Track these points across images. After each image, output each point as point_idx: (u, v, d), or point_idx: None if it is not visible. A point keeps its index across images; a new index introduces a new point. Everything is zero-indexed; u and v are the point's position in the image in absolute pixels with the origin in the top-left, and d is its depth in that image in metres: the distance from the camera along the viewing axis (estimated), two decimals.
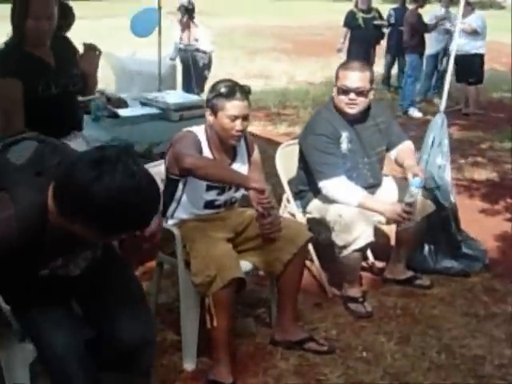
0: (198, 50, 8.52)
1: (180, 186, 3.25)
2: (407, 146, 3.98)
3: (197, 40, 8.52)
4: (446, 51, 9.88)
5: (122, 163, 1.91)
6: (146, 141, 4.90)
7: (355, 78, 3.72)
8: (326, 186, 3.69)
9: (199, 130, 3.26)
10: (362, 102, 3.75)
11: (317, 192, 3.83)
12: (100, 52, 3.57)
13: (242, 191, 3.31)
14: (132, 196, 1.90)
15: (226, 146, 3.26)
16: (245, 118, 3.17)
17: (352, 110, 3.76)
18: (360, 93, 3.72)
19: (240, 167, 3.33)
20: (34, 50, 3.29)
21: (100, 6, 27.72)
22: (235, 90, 3.15)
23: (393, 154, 3.97)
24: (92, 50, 3.54)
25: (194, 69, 8.40)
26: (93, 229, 1.97)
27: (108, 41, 14.20)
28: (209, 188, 3.23)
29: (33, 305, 2.43)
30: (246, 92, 3.17)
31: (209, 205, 3.29)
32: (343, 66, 3.85)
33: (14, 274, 2.22)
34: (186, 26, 8.49)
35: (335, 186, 3.67)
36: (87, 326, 2.52)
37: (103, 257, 2.51)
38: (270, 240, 3.18)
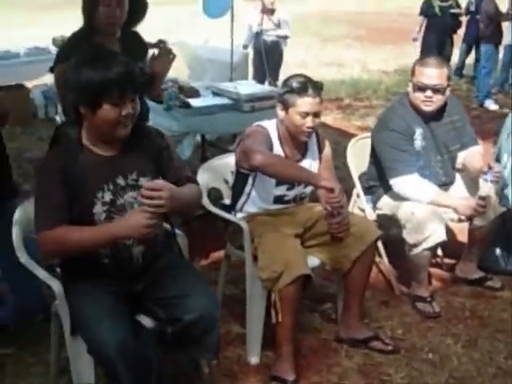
0: (278, 35, 8.43)
1: (250, 180, 3.26)
2: (478, 150, 3.91)
3: (278, 25, 8.41)
4: None
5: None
6: (217, 131, 4.95)
7: (432, 74, 3.64)
8: (398, 183, 3.65)
9: (270, 125, 3.26)
10: (438, 100, 3.68)
11: (388, 188, 3.78)
12: (174, 56, 3.60)
13: (312, 187, 3.30)
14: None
15: (297, 141, 3.25)
16: (316, 114, 3.15)
17: (428, 108, 3.69)
18: (437, 90, 3.65)
19: (311, 163, 3.32)
20: (103, 39, 3.34)
21: None
22: (307, 86, 3.13)
23: (462, 155, 3.90)
24: (167, 53, 3.57)
25: (271, 56, 8.30)
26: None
27: (179, 28, 14.37)
28: (278, 183, 3.23)
29: (85, 293, 2.54)
30: (318, 88, 3.15)
31: (278, 200, 3.30)
32: (420, 61, 3.77)
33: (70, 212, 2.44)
34: (266, 10, 8.33)
35: (407, 183, 3.62)
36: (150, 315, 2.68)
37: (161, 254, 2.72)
38: (338, 239, 3.17)
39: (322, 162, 3.39)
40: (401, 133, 3.68)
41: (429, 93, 3.66)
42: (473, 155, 3.86)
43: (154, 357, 2.54)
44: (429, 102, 3.68)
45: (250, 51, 8.52)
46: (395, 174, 3.65)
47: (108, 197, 2.52)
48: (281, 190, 3.27)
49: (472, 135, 3.97)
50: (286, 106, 3.16)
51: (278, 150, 3.22)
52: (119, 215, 2.53)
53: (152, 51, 3.62)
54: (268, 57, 8.11)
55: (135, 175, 2.57)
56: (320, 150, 3.39)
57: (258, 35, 8.33)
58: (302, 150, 3.32)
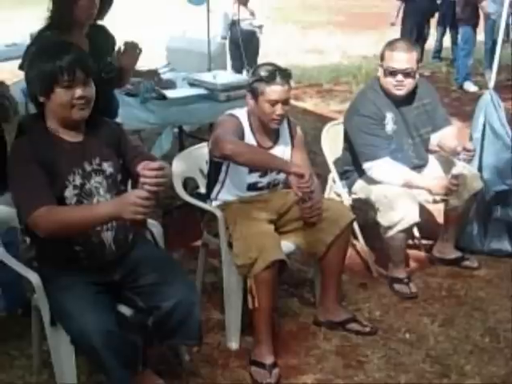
0: (252, 24, 8.39)
1: (223, 168, 3.29)
2: (451, 130, 3.96)
3: (253, 14, 8.40)
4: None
5: None
6: (193, 122, 4.96)
7: (402, 59, 3.68)
8: (371, 167, 3.70)
9: (241, 114, 3.30)
10: (409, 84, 3.72)
11: (362, 173, 3.83)
12: (140, 50, 3.61)
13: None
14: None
15: (268, 129, 3.29)
16: (285, 102, 3.18)
17: (400, 92, 3.73)
18: (407, 74, 3.69)
19: (283, 150, 3.36)
20: (70, 36, 3.33)
21: None
22: (275, 74, 3.16)
23: (435, 137, 3.95)
24: (133, 48, 3.57)
25: (247, 45, 8.30)
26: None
27: (159, 18, 14.32)
28: (251, 171, 3.27)
29: (65, 285, 2.57)
30: (286, 76, 3.19)
31: (252, 187, 3.33)
32: (389, 46, 3.79)
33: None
34: (243, 1, 8.28)
35: (379, 167, 3.67)
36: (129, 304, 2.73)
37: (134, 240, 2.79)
38: (310, 224, 3.22)
39: (295, 147, 3.42)
40: (371, 117, 3.72)
41: (400, 77, 3.69)
42: (447, 136, 3.91)
43: (137, 341, 2.61)
44: (400, 87, 3.72)
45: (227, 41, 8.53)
46: (368, 158, 3.70)
47: (78, 181, 2.59)
48: (254, 177, 3.30)
49: (444, 116, 4.01)
50: (256, 95, 3.19)
51: (249, 137, 3.26)
52: (87, 200, 2.60)
53: (118, 46, 3.63)
54: (245, 46, 8.10)
55: (98, 160, 2.66)
56: (292, 136, 3.42)
57: (233, 25, 8.31)
58: (274, 137, 3.35)
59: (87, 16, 3.41)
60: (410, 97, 3.83)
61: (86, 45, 3.42)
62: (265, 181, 3.34)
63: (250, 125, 3.29)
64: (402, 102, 3.80)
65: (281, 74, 3.17)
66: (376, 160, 3.67)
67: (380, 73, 3.79)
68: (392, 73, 3.70)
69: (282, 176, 3.37)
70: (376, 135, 3.70)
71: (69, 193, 2.57)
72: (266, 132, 3.31)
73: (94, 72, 3.32)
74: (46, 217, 2.42)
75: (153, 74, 4.98)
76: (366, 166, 3.72)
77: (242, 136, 3.22)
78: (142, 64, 4.81)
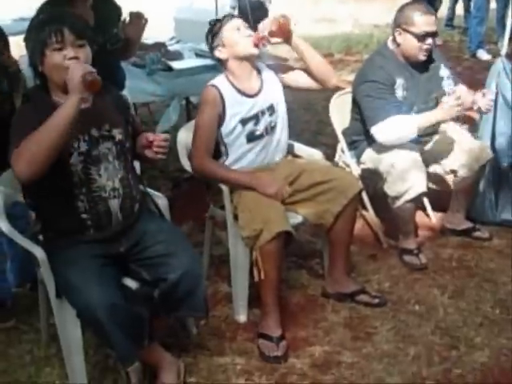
0: None
1: (223, 141, 3.29)
2: (463, 88, 3.86)
3: None
4: None
5: None
6: (200, 92, 4.89)
7: (432, 21, 3.67)
8: (378, 130, 3.59)
9: (219, 80, 3.31)
10: (431, 46, 3.68)
11: (371, 142, 3.77)
12: (146, 20, 3.57)
13: (278, 113, 3.36)
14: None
15: (250, 76, 3.32)
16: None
17: (425, 57, 3.67)
18: (435, 36, 3.67)
19: (272, 89, 3.37)
20: (74, 8, 3.28)
21: None
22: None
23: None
24: (138, 18, 3.53)
25: (256, 15, 8.22)
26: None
27: None
28: (244, 123, 3.26)
29: (71, 258, 2.58)
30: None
31: (251, 137, 3.30)
32: (414, 10, 3.67)
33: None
34: None
35: (387, 126, 3.56)
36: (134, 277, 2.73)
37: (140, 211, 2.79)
38: (318, 194, 3.22)
39: (285, 75, 3.44)
40: (380, 82, 3.64)
41: (430, 40, 3.63)
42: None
43: (144, 314, 2.61)
44: (427, 52, 3.66)
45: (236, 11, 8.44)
46: (375, 121, 3.60)
47: (84, 147, 2.59)
48: (249, 128, 3.28)
49: (453, 78, 3.91)
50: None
51: (232, 97, 3.25)
52: (95, 166, 2.61)
53: (124, 17, 3.58)
54: (253, 16, 8.02)
55: (108, 126, 2.67)
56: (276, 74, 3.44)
57: None
58: (258, 82, 3.35)
59: None
60: (423, 61, 3.73)
61: (91, 17, 3.38)
62: (261, 127, 3.31)
63: (231, 83, 3.28)
64: (412, 67, 3.72)
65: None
66: (383, 121, 3.56)
67: (398, 38, 3.69)
68: (424, 37, 3.61)
69: (274, 117, 3.36)
70: (385, 99, 3.61)
71: (74, 159, 2.57)
72: (248, 80, 3.31)
73: (99, 43, 3.32)
74: (20, 149, 2.39)
75: (160, 46, 4.94)
76: (373, 129, 3.62)
77: (221, 105, 3.22)
78: (150, 35, 4.78)
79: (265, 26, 3.23)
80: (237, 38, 3.25)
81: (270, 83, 3.38)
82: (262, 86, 3.36)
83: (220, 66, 3.40)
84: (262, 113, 3.31)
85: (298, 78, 3.43)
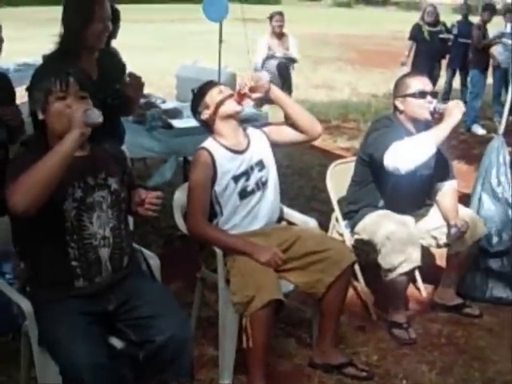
0: (289, 58, 8.59)
1: (217, 200, 3.30)
2: (451, 186, 3.92)
3: (287, 49, 8.56)
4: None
5: None
6: None
7: (428, 82, 3.74)
8: (391, 155, 3.47)
9: (208, 142, 3.36)
10: (435, 105, 3.68)
11: (367, 211, 3.78)
12: (143, 83, 3.57)
13: (269, 168, 3.40)
14: None
15: (236, 134, 3.37)
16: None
17: (432, 115, 3.67)
18: (435, 95, 3.71)
19: (258, 145, 3.42)
20: (80, 62, 3.31)
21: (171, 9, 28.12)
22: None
23: (438, 187, 3.91)
24: (137, 80, 3.53)
25: (283, 78, 8.44)
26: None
27: (175, 45, 14.43)
28: (236, 180, 3.30)
29: (58, 314, 2.54)
30: None
31: (243, 194, 3.32)
32: (410, 76, 3.84)
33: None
34: (278, 35, 8.55)
35: (399, 148, 3.48)
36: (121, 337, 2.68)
37: (129, 268, 2.76)
38: (310, 263, 3.20)
39: (270, 130, 3.49)
40: (390, 130, 3.66)
41: (429, 98, 3.66)
42: (446, 192, 3.89)
43: (127, 375, 2.56)
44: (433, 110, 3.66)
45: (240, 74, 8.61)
46: (385, 150, 3.50)
47: (78, 194, 2.60)
48: (240, 185, 3.31)
49: (448, 168, 3.95)
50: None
51: (222, 157, 3.29)
52: (88, 213, 2.62)
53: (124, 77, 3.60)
54: (283, 78, 8.28)
55: (104, 175, 2.69)
56: (263, 132, 3.48)
57: (268, 59, 8.48)
58: (245, 140, 3.40)
59: (98, 41, 3.38)
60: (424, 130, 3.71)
61: (94, 71, 3.40)
62: (252, 183, 3.34)
63: (219, 143, 3.34)
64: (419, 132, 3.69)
65: None
66: (393, 146, 3.48)
67: (400, 105, 3.73)
68: (423, 94, 3.66)
69: (265, 172, 3.39)
70: (396, 139, 3.53)
71: (68, 205, 2.58)
72: (235, 137, 3.36)
73: (100, 98, 3.33)
74: (17, 182, 2.40)
75: (149, 106, 4.97)
76: (386, 159, 3.48)
77: (212, 167, 3.26)
78: (153, 91, 4.83)
79: (243, 83, 3.30)
80: (220, 98, 3.32)
81: (256, 139, 3.43)
82: (249, 142, 3.41)
83: (206, 129, 3.45)
84: (252, 168, 3.35)
85: (283, 132, 3.47)
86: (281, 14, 8.69)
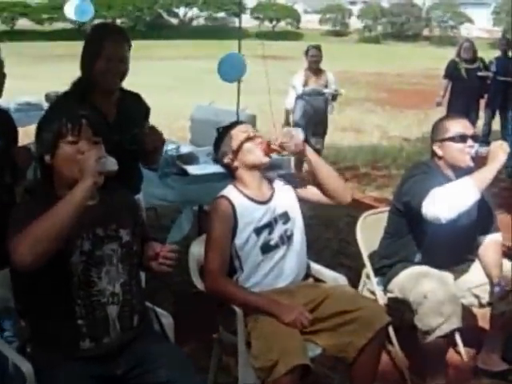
0: (324, 96, 8.59)
1: (237, 254, 3.31)
2: (495, 239, 3.90)
3: (325, 86, 8.56)
4: None
5: None
6: None
7: (468, 125, 3.76)
8: (429, 202, 3.44)
9: (229, 189, 3.39)
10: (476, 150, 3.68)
11: (402, 267, 3.77)
12: (164, 139, 3.66)
13: (295, 221, 3.41)
14: None
15: (261, 183, 3.40)
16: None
17: (471, 162, 3.65)
18: (475, 138, 3.72)
19: (283, 195, 3.45)
20: (97, 99, 3.38)
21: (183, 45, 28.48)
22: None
23: (481, 240, 3.90)
24: (157, 133, 3.59)
25: (315, 120, 8.50)
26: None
27: (188, 84, 14.58)
28: (258, 232, 3.30)
29: (60, 378, 2.53)
30: None
31: (266, 248, 3.33)
32: (448, 119, 3.85)
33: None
34: (314, 71, 8.58)
35: (438, 194, 3.45)
36: None
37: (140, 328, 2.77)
38: (340, 325, 3.17)
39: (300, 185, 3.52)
40: (428, 176, 3.66)
41: (470, 142, 3.67)
42: (488, 246, 3.87)
43: None
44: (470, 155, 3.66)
45: (260, 115, 8.65)
46: (423, 197, 3.47)
47: (87, 247, 2.61)
48: (263, 237, 3.32)
49: (492, 219, 3.94)
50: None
51: (243, 206, 3.30)
52: (96, 268, 2.61)
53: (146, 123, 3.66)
54: (313, 120, 8.33)
55: (115, 226, 2.69)
56: (288, 181, 3.53)
57: (303, 96, 8.50)
58: (269, 189, 3.43)
59: (103, 80, 3.44)
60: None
61: (112, 112, 3.46)
62: (275, 236, 3.34)
63: (241, 192, 3.35)
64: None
65: None
66: (429, 193, 3.45)
67: (440, 150, 3.74)
68: (463, 138, 3.67)
69: (291, 224, 3.40)
70: (435, 186, 3.51)
71: (75, 258, 2.58)
72: (258, 188, 3.38)
73: (115, 142, 3.39)
74: (23, 234, 2.40)
75: None
76: (425, 207, 3.45)
77: (233, 217, 3.27)
78: (165, 135, 4.87)
79: (277, 137, 3.32)
80: (248, 146, 3.34)
81: (281, 190, 3.46)
82: (273, 192, 3.43)
83: (227, 174, 3.47)
84: (275, 220, 3.36)
85: (309, 192, 3.50)
86: (318, 48, 8.65)
